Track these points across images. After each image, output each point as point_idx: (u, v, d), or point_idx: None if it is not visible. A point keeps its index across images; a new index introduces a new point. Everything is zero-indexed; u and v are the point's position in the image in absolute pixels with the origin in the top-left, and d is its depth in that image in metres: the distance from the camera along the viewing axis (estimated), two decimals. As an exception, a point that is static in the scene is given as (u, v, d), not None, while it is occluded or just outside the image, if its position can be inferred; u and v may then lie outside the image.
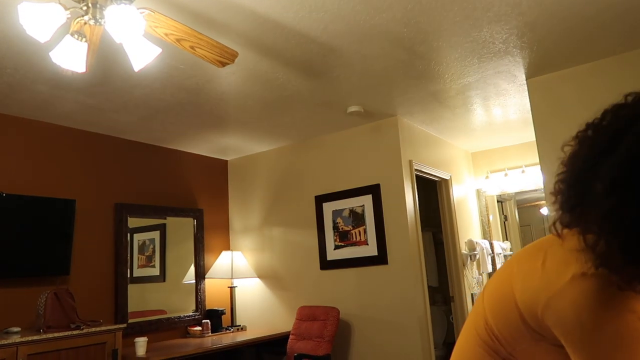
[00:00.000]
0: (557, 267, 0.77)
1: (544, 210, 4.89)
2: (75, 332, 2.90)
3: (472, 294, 4.68)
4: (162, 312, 4.10)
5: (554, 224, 0.79)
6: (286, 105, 3.58)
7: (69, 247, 3.41)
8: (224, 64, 2.26)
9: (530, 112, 3.48)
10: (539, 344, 0.81)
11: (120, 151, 4.02)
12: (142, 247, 4.08)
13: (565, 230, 0.78)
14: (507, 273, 0.89)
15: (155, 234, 4.23)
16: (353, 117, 3.93)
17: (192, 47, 2.11)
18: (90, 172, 3.78)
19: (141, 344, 3.28)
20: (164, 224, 4.30)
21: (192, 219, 4.51)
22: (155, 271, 4.16)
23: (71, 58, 1.83)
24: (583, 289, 0.72)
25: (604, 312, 0.70)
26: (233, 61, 2.26)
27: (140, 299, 3.97)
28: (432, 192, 4.79)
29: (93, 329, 2.98)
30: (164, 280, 4.21)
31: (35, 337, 2.72)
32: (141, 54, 1.87)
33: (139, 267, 4.02)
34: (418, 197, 4.05)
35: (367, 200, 4.03)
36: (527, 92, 3.47)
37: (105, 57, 2.66)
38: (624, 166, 0.68)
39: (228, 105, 3.49)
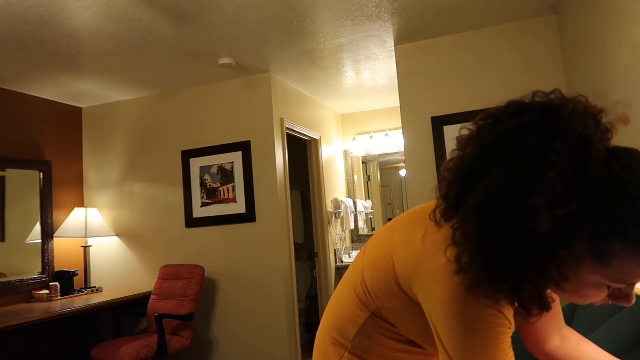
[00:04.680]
0: (433, 248, 0.79)
1: (402, 173, 5.26)
2: None
3: (335, 250, 4.91)
4: (2, 275, 3.64)
5: (435, 209, 0.79)
6: (151, 51, 3.28)
7: None
8: (73, -5, 1.97)
9: (396, 78, 3.64)
10: (408, 305, 0.85)
11: (-59, 89, 3.37)
12: (-25, 203, 3.54)
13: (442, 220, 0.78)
14: (389, 236, 0.92)
15: (-8, 188, 3.70)
16: (224, 70, 3.75)
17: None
18: None
19: (-28, 312, 2.88)
20: (3, 177, 3.77)
21: (37, 172, 4.00)
22: (-8, 230, 3.65)
23: None
24: (453, 279, 0.74)
25: (469, 304, 0.73)
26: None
27: (-28, 262, 3.47)
28: (302, 152, 4.86)
29: None
30: (3, 240, 3.72)
31: None
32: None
33: (-30, 225, 3.49)
34: (288, 155, 4.06)
35: (236, 157, 3.94)
36: (394, 59, 3.62)
37: None
38: (495, 190, 0.67)
39: (81, 45, 3.09)
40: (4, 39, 2.91)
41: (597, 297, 0.73)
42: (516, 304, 0.72)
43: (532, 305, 0.70)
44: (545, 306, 0.70)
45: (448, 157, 0.78)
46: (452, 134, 3.35)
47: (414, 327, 0.87)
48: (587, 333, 1.34)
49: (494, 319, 0.73)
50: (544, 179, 0.63)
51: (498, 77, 3.29)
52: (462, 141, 0.76)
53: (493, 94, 3.29)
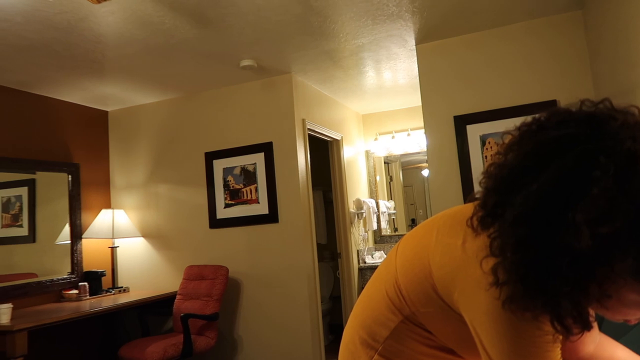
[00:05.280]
0: (474, 256, 0.76)
1: (425, 172, 5.21)
2: None
3: (357, 250, 4.90)
4: (33, 275, 3.74)
5: (473, 216, 0.76)
6: (173, 54, 3.33)
7: None
8: (99, 1, 2.01)
9: (417, 78, 3.62)
10: (445, 312, 0.83)
11: (-26, 95, 3.49)
12: (7, 205, 3.65)
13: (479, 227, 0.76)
14: (425, 239, 0.88)
15: (23, 190, 3.80)
16: (246, 72, 3.79)
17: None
18: None
19: (4, 310, 2.96)
20: (33, 180, 3.87)
21: (66, 174, 4.11)
22: (23, 231, 3.75)
23: None
24: (489, 292, 0.72)
25: (515, 324, 0.71)
26: (110, -2, 2.02)
27: (6, 262, 3.58)
28: (324, 152, 4.86)
29: (-57, 297, 2.62)
30: (34, 241, 3.82)
31: None
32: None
33: (3, 226, 3.60)
34: (310, 156, 4.07)
35: (259, 158, 3.97)
36: (416, 58, 3.60)
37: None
38: (534, 202, 0.64)
39: (106, 49, 3.15)
40: (33, 45, 2.99)
41: (635, 315, 0.71)
42: (555, 323, 0.68)
43: (571, 323, 0.67)
44: (586, 325, 0.67)
45: (488, 161, 0.76)
46: (475, 132, 3.31)
47: (451, 333, 0.85)
48: (617, 337, 1.30)
49: (536, 331, 0.71)
50: (586, 194, 0.60)
51: (523, 74, 3.24)
52: (503, 146, 0.74)
53: (517, 91, 3.24)
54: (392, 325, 0.90)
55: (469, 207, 0.80)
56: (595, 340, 0.99)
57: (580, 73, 3.10)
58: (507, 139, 0.74)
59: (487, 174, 0.75)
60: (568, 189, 0.62)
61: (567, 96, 3.10)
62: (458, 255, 0.79)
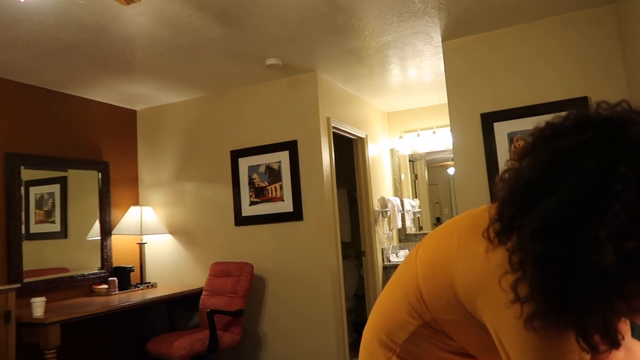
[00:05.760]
0: (497, 265, 0.73)
1: (451, 171, 5.15)
2: (-42, 294, 2.64)
3: (382, 249, 4.88)
4: (64, 270, 3.85)
5: (489, 227, 0.73)
6: (200, 54, 3.37)
7: (-51, 201, 3.05)
8: (129, 2, 2.05)
9: (443, 75, 3.58)
10: (468, 320, 0.81)
11: (10, 95, 3.60)
12: (40, 202, 3.76)
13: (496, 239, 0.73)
14: (446, 243, 0.86)
15: (55, 188, 3.91)
16: (271, 70, 3.81)
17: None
18: (-27, 118, 3.36)
19: (38, 304, 3.06)
20: (65, 177, 3.98)
21: (96, 172, 4.21)
22: (56, 227, 3.87)
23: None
24: (511, 309, 0.70)
25: (539, 341, 0.69)
26: (139, -1, 2.06)
27: (39, 257, 3.69)
28: (348, 150, 4.85)
29: (-20, 290, 2.73)
30: (66, 237, 3.93)
31: None
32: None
33: (36, 222, 3.71)
34: (334, 154, 4.08)
35: (283, 157, 3.99)
36: (442, 55, 3.55)
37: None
38: (552, 217, 0.61)
39: (135, 50, 3.22)
40: (66, 46, 3.08)
41: None
42: (580, 341, 0.65)
43: (598, 340, 0.64)
44: (614, 343, 0.64)
45: (503, 167, 0.73)
46: (503, 130, 3.26)
47: (473, 341, 0.84)
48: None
49: (561, 347, 0.69)
50: (607, 209, 0.57)
51: (552, 70, 3.17)
52: (518, 153, 0.70)
53: (547, 87, 3.17)
54: (411, 328, 0.89)
55: (489, 211, 0.77)
56: (627, 346, 0.95)
57: (613, 69, 3.01)
58: (521, 144, 0.71)
59: (501, 183, 0.72)
60: (587, 202, 0.59)
61: (599, 93, 3.02)
62: (481, 264, 0.76)
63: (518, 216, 0.67)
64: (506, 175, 0.71)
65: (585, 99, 3.04)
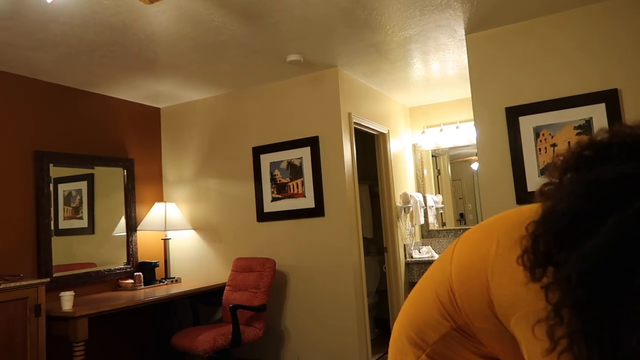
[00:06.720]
0: (537, 284, 0.67)
1: (474, 166, 5.08)
2: (-9, 288, 2.72)
3: (404, 245, 4.85)
4: (92, 265, 3.94)
5: (524, 254, 0.68)
6: (222, 51, 3.40)
7: (-18, 198, 3.14)
8: (152, 1, 2.08)
9: (467, 69, 3.52)
10: (501, 332, 0.77)
11: (39, 94, 3.69)
12: (68, 198, 3.85)
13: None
14: (484, 247, 0.80)
15: (83, 185, 4.00)
16: (293, 67, 3.81)
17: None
18: (1, 117, 3.45)
19: (67, 298, 3.14)
20: (92, 174, 4.07)
21: (122, 169, 4.29)
22: (83, 223, 3.96)
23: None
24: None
25: None
26: (162, -2, 2.08)
27: (67, 252, 3.78)
28: (370, 146, 4.83)
29: (12, 284, 2.80)
30: (93, 233, 4.02)
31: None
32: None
33: (65, 219, 3.80)
34: (356, 150, 4.06)
35: (305, 153, 3.99)
36: (465, 48, 3.50)
37: (15, -14, 2.37)
38: (592, 263, 0.56)
39: (159, 48, 3.26)
40: (92, 46, 3.13)
41: None
42: None
43: None
44: None
45: (544, 180, 0.68)
46: (528, 124, 3.19)
47: (505, 351, 0.81)
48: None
49: None
50: None
51: (579, 62, 3.09)
52: (555, 169, 0.66)
53: (573, 80, 3.09)
54: (442, 330, 0.87)
55: (529, 213, 0.71)
56: None
57: (644, 60, 2.92)
58: (559, 160, 0.66)
59: (541, 194, 0.67)
60: (631, 251, 0.54)
61: (629, 85, 2.93)
62: (519, 279, 0.70)
63: (553, 253, 0.62)
64: (545, 189, 0.67)
65: (614, 91, 2.96)
